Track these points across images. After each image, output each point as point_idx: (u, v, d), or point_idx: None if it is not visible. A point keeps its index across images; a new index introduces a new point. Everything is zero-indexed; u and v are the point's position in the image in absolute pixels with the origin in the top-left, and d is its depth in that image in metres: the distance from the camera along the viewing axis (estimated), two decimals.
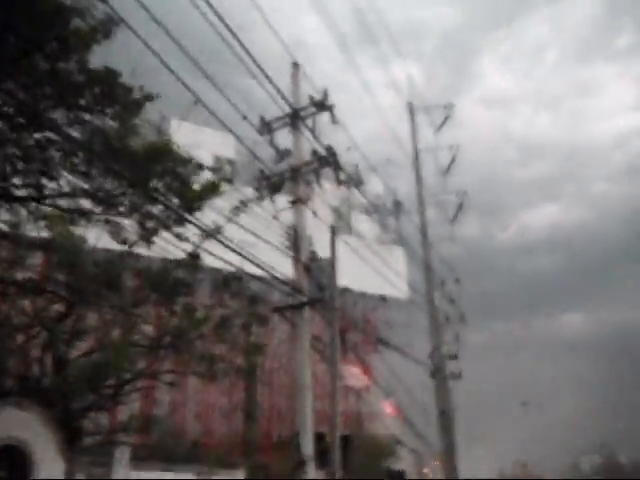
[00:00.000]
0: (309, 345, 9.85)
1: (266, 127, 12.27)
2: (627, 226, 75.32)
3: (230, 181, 11.28)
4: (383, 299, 28.12)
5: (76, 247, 7.75)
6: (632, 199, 76.10)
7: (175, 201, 8.79)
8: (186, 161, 8.00)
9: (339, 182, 11.97)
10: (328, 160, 11.26)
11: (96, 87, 9.16)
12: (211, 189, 8.32)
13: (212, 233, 8.38)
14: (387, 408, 29.91)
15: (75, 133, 8.62)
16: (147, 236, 8.56)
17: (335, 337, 9.94)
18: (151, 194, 8.35)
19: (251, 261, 9.73)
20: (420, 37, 79.41)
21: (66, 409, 7.54)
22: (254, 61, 8.30)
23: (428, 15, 76.72)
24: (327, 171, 13.14)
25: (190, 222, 8.28)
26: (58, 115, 9.14)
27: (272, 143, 12.34)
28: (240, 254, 9.27)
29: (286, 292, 10.08)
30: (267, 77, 9.94)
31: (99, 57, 9.24)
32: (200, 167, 8.38)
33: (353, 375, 26.12)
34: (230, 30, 8.53)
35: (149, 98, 9.39)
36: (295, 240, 10.56)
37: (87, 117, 9.12)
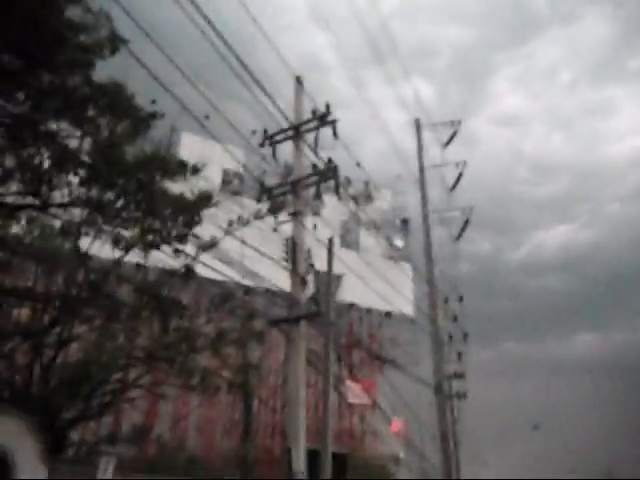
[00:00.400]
0: (304, 359, 9.76)
1: (268, 140, 12.40)
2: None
3: (237, 193, 11.39)
4: (388, 315, 27.89)
5: (70, 256, 7.80)
6: None
7: (173, 214, 8.84)
8: (181, 169, 8.06)
9: (339, 196, 11.95)
10: (327, 174, 11.27)
11: (101, 100, 9.31)
12: (204, 199, 8.36)
13: (208, 246, 8.40)
14: (390, 427, 29.49)
15: (77, 144, 8.77)
16: (146, 247, 8.61)
17: (329, 351, 9.84)
18: (150, 206, 8.42)
19: (248, 274, 9.76)
20: (433, 56, 79.94)
21: (52, 418, 7.52)
22: (251, 76, 8.43)
23: (441, 34, 77.28)
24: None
25: (186, 235, 8.31)
26: (63, 127, 9.30)
27: (274, 156, 12.48)
28: (237, 267, 9.31)
29: (283, 305, 10.04)
30: (265, 91, 10.12)
31: (109, 70, 9.41)
32: (196, 171, 8.42)
33: (356, 393, 25.84)
34: (229, 47, 8.70)
35: (156, 116, 9.52)
36: (293, 253, 10.53)
37: (91, 129, 9.25)
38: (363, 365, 27.89)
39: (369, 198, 33.16)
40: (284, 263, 10.41)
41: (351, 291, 29.19)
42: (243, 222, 9.84)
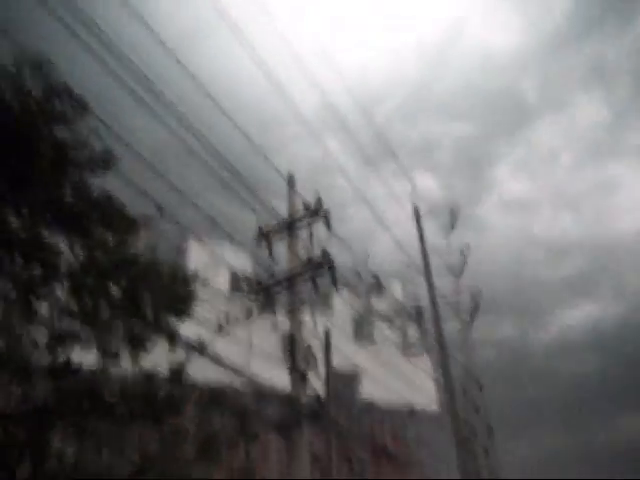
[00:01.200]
0: (309, 465, 9.02)
1: (263, 237, 12.58)
2: None
3: (247, 296, 11.34)
4: (412, 413, 26.33)
5: (56, 368, 7.59)
6: None
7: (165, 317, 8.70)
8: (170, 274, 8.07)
9: (336, 287, 11.79)
10: (323, 265, 11.21)
11: (94, 213, 9.60)
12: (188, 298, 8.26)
13: (198, 348, 8.16)
14: None
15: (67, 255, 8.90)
16: (134, 353, 8.38)
17: (332, 453, 9.11)
18: (140, 314, 8.33)
19: (244, 376, 9.36)
20: (436, 150, 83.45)
21: None
22: (244, 183, 8.76)
23: (441, 130, 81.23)
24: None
25: (175, 337, 8.11)
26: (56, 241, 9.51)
27: (270, 254, 12.56)
28: (232, 369, 8.95)
29: (281, 406, 9.50)
30: (255, 195, 10.47)
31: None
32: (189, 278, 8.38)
33: None
34: (225, 162, 9.12)
35: (147, 225, 9.78)
36: (291, 350, 10.17)
37: (83, 241, 9.42)
38: (388, 469, 25.83)
39: (380, 290, 32.82)
40: (282, 361, 10.04)
41: (370, 388, 27.93)
42: (232, 321, 9.62)
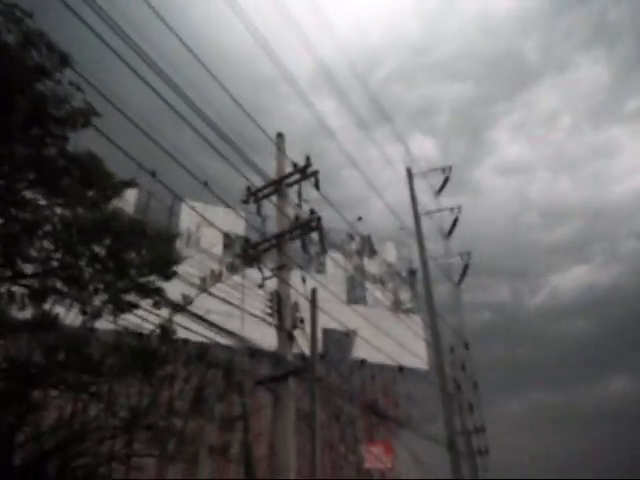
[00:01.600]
0: (294, 420, 9.21)
1: (253, 197, 12.45)
2: None
3: (240, 256, 11.31)
4: (401, 370, 26.87)
5: (40, 323, 7.60)
6: None
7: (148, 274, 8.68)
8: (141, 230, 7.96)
9: (324, 248, 11.76)
10: (311, 225, 11.15)
11: (75, 171, 9.41)
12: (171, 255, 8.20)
13: (183, 304, 8.17)
14: None
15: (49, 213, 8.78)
16: (119, 311, 8.39)
17: (316, 408, 9.29)
18: (123, 271, 8.29)
19: (232, 333, 9.43)
20: (434, 113, 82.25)
21: None
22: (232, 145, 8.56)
23: (440, 91, 79.85)
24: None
25: (161, 295, 8.11)
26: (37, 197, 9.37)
27: (259, 213, 12.47)
28: (217, 327, 9.00)
29: (269, 364, 9.63)
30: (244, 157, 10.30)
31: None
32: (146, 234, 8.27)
33: (374, 456, 24.47)
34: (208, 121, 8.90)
35: (130, 184, 9.61)
36: (279, 308, 10.22)
37: (64, 199, 9.28)
38: (378, 426, 26.58)
39: (372, 252, 32.95)
40: (269, 319, 10.10)
41: (362, 348, 28.43)
42: (216, 277, 9.60)
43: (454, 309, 20.27)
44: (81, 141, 9.67)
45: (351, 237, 32.11)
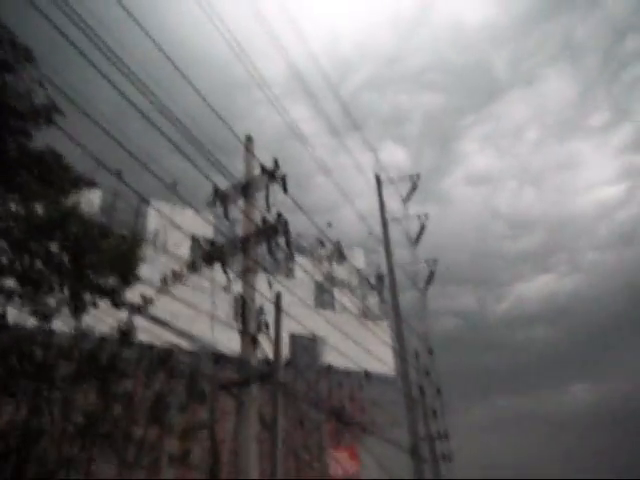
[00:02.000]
0: (257, 425, 9.10)
1: (219, 199, 12.31)
2: (620, 293, 74.85)
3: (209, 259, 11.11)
4: (367, 376, 26.95)
5: None
6: (622, 266, 76.31)
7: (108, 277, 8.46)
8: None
9: (290, 251, 11.69)
10: (277, 228, 11.08)
11: (35, 168, 9.13)
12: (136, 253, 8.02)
13: (142, 306, 7.97)
14: None
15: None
16: (76, 313, 8.14)
17: (278, 415, 9.21)
18: (80, 271, 8.05)
19: (193, 338, 9.26)
20: (405, 122, 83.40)
21: None
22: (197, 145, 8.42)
23: (411, 101, 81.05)
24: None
25: (117, 297, 7.89)
26: None
27: (225, 216, 12.34)
28: (178, 331, 8.82)
29: (233, 369, 9.49)
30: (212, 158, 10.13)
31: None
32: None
33: (339, 462, 24.42)
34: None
35: (88, 183, 9.36)
36: (243, 312, 10.10)
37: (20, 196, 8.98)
38: (344, 432, 26.57)
39: (342, 258, 33.03)
40: (234, 323, 9.97)
41: (330, 354, 28.45)
42: (178, 278, 9.43)
43: (420, 316, 20.49)
44: (47, 140, 9.41)
45: (321, 243, 32.15)
